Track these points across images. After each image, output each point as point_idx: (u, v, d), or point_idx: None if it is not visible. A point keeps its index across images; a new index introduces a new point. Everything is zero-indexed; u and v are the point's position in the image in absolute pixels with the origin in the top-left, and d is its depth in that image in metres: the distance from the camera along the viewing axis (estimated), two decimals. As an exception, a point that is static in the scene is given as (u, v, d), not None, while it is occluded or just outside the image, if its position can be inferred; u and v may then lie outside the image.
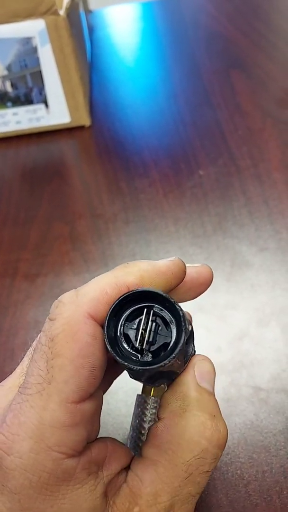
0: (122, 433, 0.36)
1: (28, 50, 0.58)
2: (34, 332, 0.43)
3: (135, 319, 0.22)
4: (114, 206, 0.54)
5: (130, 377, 0.24)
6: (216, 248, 0.47)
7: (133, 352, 0.22)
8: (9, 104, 0.63)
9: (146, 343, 0.22)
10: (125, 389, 0.38)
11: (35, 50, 0.58)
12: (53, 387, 0.21)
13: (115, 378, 0.31)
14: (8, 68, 0.60)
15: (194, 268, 0.27)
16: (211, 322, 0.42)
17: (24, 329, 0.44)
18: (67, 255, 0.50)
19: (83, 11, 0.76)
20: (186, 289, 0.26)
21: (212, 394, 0.25)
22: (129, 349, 0.22)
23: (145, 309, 0.22)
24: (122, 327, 0.22)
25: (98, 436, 0.24)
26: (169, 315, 0.22)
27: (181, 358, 0.23)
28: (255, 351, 0.39)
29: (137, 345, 0.22)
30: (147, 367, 0.21)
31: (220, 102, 0.66)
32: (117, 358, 0.21)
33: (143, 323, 0.22)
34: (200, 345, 0.40)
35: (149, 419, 0.28)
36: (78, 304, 0.22)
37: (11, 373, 0.25)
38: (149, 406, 0.28)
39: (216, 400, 0.24)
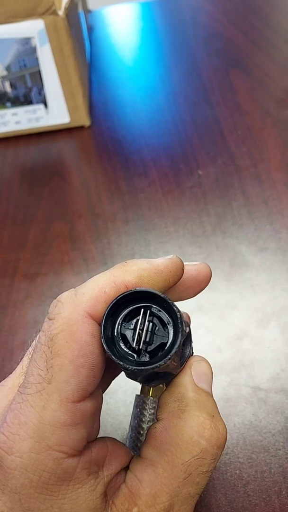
0: (121, 433, 0.36)
1: (27, 50, 0.58)
2: (34, 332, 0.43)
3: (133, 319, 0.22)
4: (113, 205, 0.54)
5: (127, 376, 0.24)
6: (216, 248, 0.47)
7: (130, 352, 0.22)
8: (8, 104, 0.63)
9: (143, 343, 0.22)
10: (124, 389, 0.38)
11: (34, 50, 0.58)
12: (53, 387, 0.21)
13: (114, 378, 0.31)
14: (7, 68, 0.60)
15: (193, 266, 0.27)
16: (211, 322, 0.42)
17: (23, 329, 0.44)
18: (66, 254, 0.50)
19: (82, 11, 0.76)
20: (186, 287, 0.26)
21: (210, 394, 0.25)
22: (125, 349, 0.22)
23: (142, 309, 0.22)
24: (119, 327, 0.22)
25: (97, 436, 0.24)
26: (167, 316, 0.22)
27: (177, 360, 0.23)
28: (255, 351, 0.39)
29: (134, 345, 0.22)
30: (142, 368, 0.21)
31: (220, 101, 0.66)
32: (113, 357, 0.21)
33: (140, 323, 0.22)
34: (200, 345, 0.40)
35: (148, 419, 0.28)
36: (77, 304, 0.22)
37: (10, 373, 0.25)
38: (147, 406, 0.28)
39: (214, 401, 0.24)
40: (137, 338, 0.22)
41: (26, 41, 0.57)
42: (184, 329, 0.23)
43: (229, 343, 0.40)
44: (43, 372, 0.21)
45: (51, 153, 0.63)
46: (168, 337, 0.22)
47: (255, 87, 0.68)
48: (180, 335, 0.21)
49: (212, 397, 0.25)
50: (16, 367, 0.26)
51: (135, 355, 0.22)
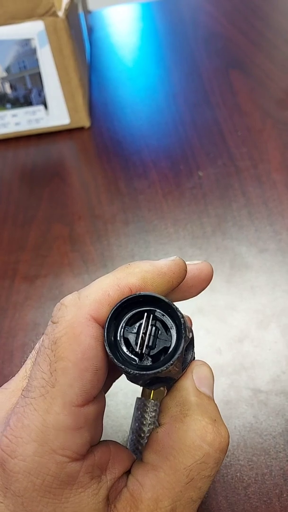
0: (122, 435, 0.36)
1: (27, 51, 0.58)
2: (33, 334, 0.43)
3: (135, 322, 0.22)
4: (113, 206, 0.54)
5: (128, 379, 0.24)
6: (216, 249, 0.47)
7: (132, 356, 0.22)
8: (8, 105, 0.62)
9: (146, 347, 0.22)
10: (125, 391, 0.38)
11: (34, 51, 0.58)
12: (57, 390, 0.21)
13: (115, 380, 0.31)
14: (7, 69, 0.60)
15: (195, 265, 0.27)
16: (211, 324, 0.42)
17: (23, 331, 0.44)
18: (66, 256, 0.50)
19: (82, 12, 0.75)
20: (188, 286, 0.26)
21: (212, 398, 0.25)
22: (128, 353, 0.22)
23: (146, 313, 0.22)
24: (122, 330, 0.22)
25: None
26: (170, 320, 0.22)
27: (179, 365, 0.23)
28: (255, 353, 0.39)
29: (137, 349, 0.22)
30: (143, 372, 0.21)
31: (220, 102, 0.66)
32: (116, 361, 0.21)
33: (144, 327, 0.22)
34: (200, 346, 0.40)
35: (149, 422, 0.28)
36: (80, 307, 0.22)
37: (10, 375, 0.25)
38: (148, 409, 0.28)
39: (216, 405, 0.24)
40: (140, 342, 0.22)
41: (26, 42, 0.57)
42: (187, 335, 0.23)
43: (229, 345, 0.40)
44: (46, 376, 0.21)
45: (51, 154, 0.63)
46: (170, 341, 0.22)
47: (255, 87, 0.68)
48: (183, 341, 0.21)
49: (214, 401, 0.25)
50: (16, 369, 0.26)
51: (137, 359, 0.22)
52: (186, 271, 0.25)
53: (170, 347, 0.22)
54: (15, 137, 0.66)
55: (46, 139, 0.65)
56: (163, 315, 0.22)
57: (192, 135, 0.62)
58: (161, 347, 0.22)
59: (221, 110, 0.65)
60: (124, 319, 0.22)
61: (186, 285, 0.26)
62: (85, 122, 0.65)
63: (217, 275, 0.45)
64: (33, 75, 0.60)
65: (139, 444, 0.28)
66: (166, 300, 0.22)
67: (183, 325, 0.21)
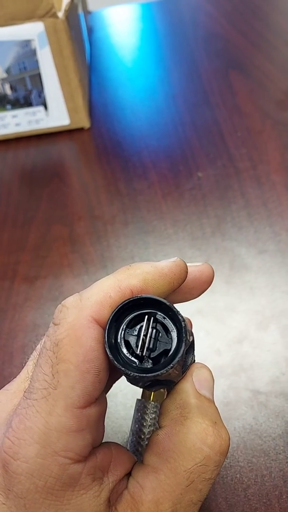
0: (121, 436, 0.36)
1: (27, 52, 0.58)
2: (33, 335, 0.43)
3: (136, 325, 0.22)
4: (112, 207, 0.54)
5: (128, 381, 0.24)
6: (215, 250, 0.47)
7: (133, 358, 0.22)
8: (8, 106, 0.62)
9: (146, 350, 0.22)
10: (124, 392, 0.38)
11: (34, 52, 0.58)
12: (59, 392, 0.21)
13: (115, 381, 0.31)
14: (7, 70, 0.60)
15: (196, 267, 0.27)
16: (210, 325, 0.42)
17: (23, 332, 0.44)
18: (66, 257, 0.50)
19: (82, 12, 0.75)
20: (189, 288, 0.27)
21: (212, 401, 0.25)
22: (128, 355, 0.22)
23: (147, 316, 0.22)
24: (123, 333, 0.22)
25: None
26: (171, 323, 0.22)
27: (179, 368, 0.23)
28: (254, 354, 0.39)
29: (137, 352, 0.22)
30: (143, 375, 0.21)
31: (219, 102, 0.66)
32: (116, 364, 0.21)
33: (144, 330, 0.22)
34: (199, 347, 0.40)
35: (149, 423, 0.28)
36: (82, 308, 0.22)
37: (10, 376, 0.26)
38: (148, 411, 0.28)
39: (216, 407, 0.25)
40: (140, 344, 0.22)
41: (26, 43, 0.57)
42: (188, 338, 0.23)
43: (229, 346, 0.40)
44: (48, 378, 0.21)
45: (51, 155, 0.63)
46: (171, 343, 0.22)
47: (255, 88, 0.68)
48: (183, 344, 0.21)
49: (214, 403, 0.25)
50: (16, 370, 0.26)
51: (137, 361, 0.22)
52: (187, 272, 0.25)
53: (170, 349, 0.22)
54: (15, 138, 0.66)
55: (46, 140, 0.65)
56: (164, 318, 0.22)
57: (191, 136, 0.62)
58: (161, 350, 0.22)
59: (220, 111, 0.65)
60: (125, 321, 0.22)
61: (187, 287, 0.26)
62: (85, 122, 0.65)
63: (216, 276, 0.45)
64: (33, 76, 0.60)
65: (139, 446, 0.28)
66: (167, 303, 0.22)
67: (184, 329, 0.22)
